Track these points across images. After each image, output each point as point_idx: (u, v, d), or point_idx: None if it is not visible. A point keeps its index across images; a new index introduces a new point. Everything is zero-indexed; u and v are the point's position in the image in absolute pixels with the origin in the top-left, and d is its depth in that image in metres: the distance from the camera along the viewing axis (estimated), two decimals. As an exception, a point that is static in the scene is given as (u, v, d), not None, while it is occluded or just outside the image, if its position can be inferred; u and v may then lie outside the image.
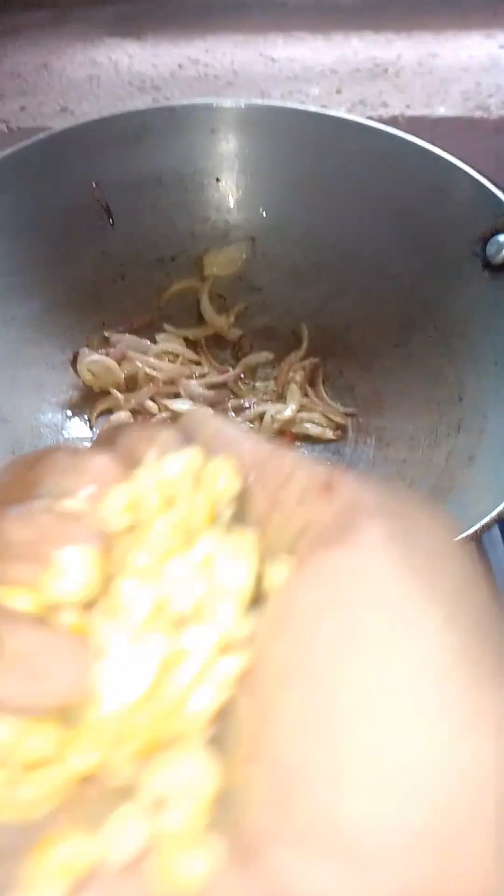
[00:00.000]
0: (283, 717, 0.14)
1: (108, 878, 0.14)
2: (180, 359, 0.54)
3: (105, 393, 0.53)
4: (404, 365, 0.50)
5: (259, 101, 0.55)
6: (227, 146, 0.54)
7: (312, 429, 0.52)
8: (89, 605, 0.15)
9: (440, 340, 0.48)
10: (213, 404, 0.52)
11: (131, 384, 0.53)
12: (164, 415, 0.52)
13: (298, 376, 0.53)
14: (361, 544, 0.15)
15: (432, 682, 0.13)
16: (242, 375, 0.54)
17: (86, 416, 0.53)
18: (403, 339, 0.50)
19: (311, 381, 0.53)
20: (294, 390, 0.52)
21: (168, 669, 0.14)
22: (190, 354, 0.54)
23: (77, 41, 0.64)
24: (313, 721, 0.14)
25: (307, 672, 0.14)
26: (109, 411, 0.53)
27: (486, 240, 0.46)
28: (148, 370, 0.53)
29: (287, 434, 0.51)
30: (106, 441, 0.18)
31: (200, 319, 0.56)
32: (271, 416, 0.51)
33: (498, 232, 0.45)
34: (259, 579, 0.16)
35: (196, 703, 0.14)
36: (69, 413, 0.53)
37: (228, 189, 0.55)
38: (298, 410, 0.52)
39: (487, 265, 0.46)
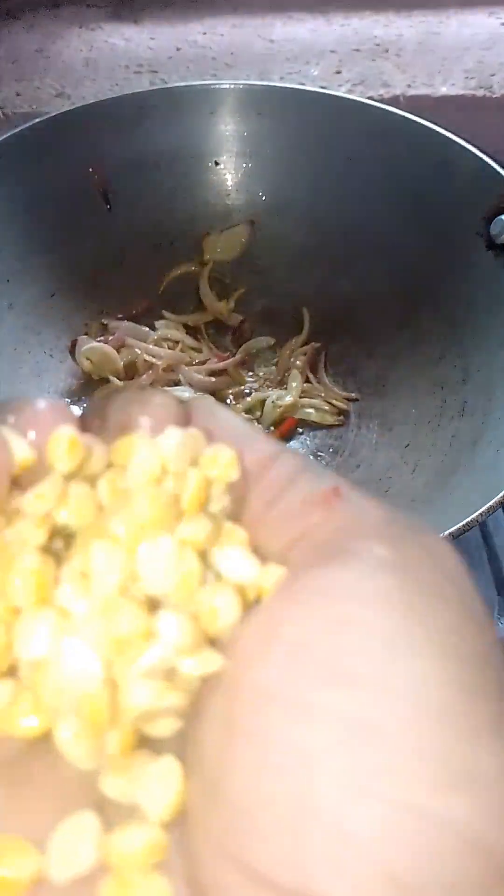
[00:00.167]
0: (255, 744, 0.13)
1: None
2: (179, 345, 0.53)
3: (104, 381, 0.52)
4: (407, 348, 0.49)
5: (258, 83, 0.55)
6: (226, 128, 0.53)
7: (314, 414, 0.51)
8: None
9: (444, 322, 0.48)
10: (213, 391, 0.52)
11: (130, 371, 0.52)
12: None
13: (300, 361, 0.52)
14: (360, 565, 0.14)
15: (428, 723, 0.12)
16: (244, 361, 0.53)
17: (85, 405, 0.53)
18: (406, 322, 0.50)
19: (312, 366, 0.53)
20: (295, 375, 0.52)
21: (125, 649, 0.13)
22: (190, 341, 0.54)
23: (73, 25, 0.64)
24: (287, 755, 0.12)
25: (289, 695, 0.13)
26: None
27: (489, 219, 0.45)
28: (147, 357, 0.52)
29: (288, 419, 0.51)
30: (96, 411, 0.17)
31: (200, 305, 0.55)
32: (273, 402, 0.51)
33: (501, 211, 0.45)
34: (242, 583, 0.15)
35: (141, 696, 0.13)
36: (68, 401, 0.52)
37: (228, 172, 0.54)
38: (300, 396, 0.51)
39: (491, 245, 0.45)
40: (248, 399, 0.52)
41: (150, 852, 0.13)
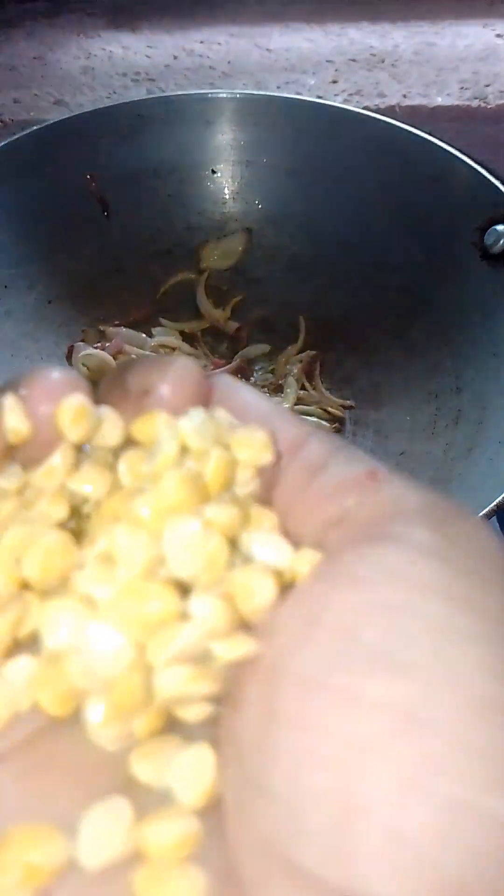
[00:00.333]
0: (299, 734, 0.12)
1: (80, 893, 0.12)
2: (176, 352, 0.54)
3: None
4: (403, 356, 0.50)
5: (255, 92, 0.55)
6: (223, 137, 0.53)
7: (310, 421, 0.51)
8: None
9: (439, 331, 0.48)
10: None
11: (128, 378, 0.53)
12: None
13: (296, 369, 0.53)
14: (402, 549, 0.13)
15: (481, 716, 0.11)
16: (240, 368, 0.54)
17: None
18: (402, 331, 0.50)
19: (308, 374, 0.53)
20: (291, 383, 0.52)
21: (155, 631, 0.13)
22: (186, 348, 0.54)
23: (72, 33, 0.64)
24: (335, 746, 0.12)
25: (335, 684, 0.12)
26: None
27: (483, 230, 0.46)
28: (144, 364, 0.52)
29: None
30: (115, 381, 0.16)
31: (197, 312, 0.55)
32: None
33: (496, 222, 0.45)
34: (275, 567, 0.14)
35: (172, 680, 0.13)
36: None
37: (225, 180, 0.54)
38: (296, 403, 0.51)
39: (485, 255, 0.46)
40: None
41: (185, 842, 0.12)
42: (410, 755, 0.11)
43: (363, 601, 0.13)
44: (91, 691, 0.13)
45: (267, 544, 0.14)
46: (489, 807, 0.11)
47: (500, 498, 0.36)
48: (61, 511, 0.14)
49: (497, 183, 0.46)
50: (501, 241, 0.45)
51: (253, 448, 0.15)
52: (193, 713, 0.14)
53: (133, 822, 0.12)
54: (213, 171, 0.54)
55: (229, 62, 0.61)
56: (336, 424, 0.51)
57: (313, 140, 0.52)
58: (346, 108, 0.53)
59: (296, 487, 0.15)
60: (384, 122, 0.50)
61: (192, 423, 0.14)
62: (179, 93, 0.55)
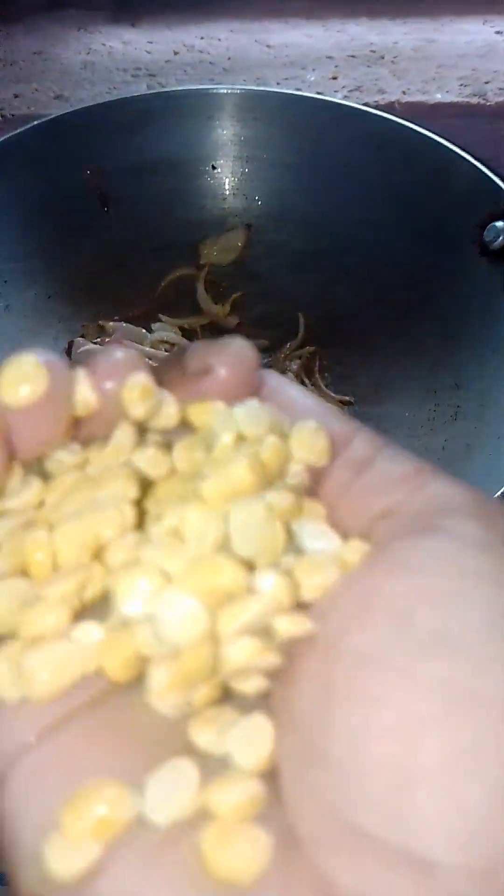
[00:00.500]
0: (357, 707, 0.12)
1: (149, 848, 0.12)
2: (176, 348, 0.54)
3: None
4: (401, 352, 0.50)
5: (255, 88, 0.55)
6: (224, 133, 0.53)
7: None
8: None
9: (438, 328, 0.48)
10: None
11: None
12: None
13: (295, 365, 0.53)
14: (453, 541, 0.13)
15: None
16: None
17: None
18: (400, 327, 0.50)
19: (308, 370, 0.53)
20: (291, 378, 0.52)
21: (225, 603, 0.13)
22: (186, 343, 0.54)
23: (72, 28, 0.64)
24: (392, 718, 0.12)
25: (392, 661, 0.13)
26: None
27: (483, 226, 0.46)
28: (144, 359, 0.52)
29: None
30: (172, 364, 0.16)
31: (197, 308, 0.55)
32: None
33: (495, 218, 0.45)
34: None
35: (238, 652, 0.13)
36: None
37: (225, 176, 0.54)
38: (295, 399, 0.52)
39: (485, 251, 0.46)
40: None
41: (250, 804, 0.13)
42: (465, 729, 0.12)
43: (415, 587, 0.13)
44: (156, 659, 0.13)
45: (317, 533, 0.15)
46: None
47: (498, 493, 0.36)
48: (133, 490, 0.15)
49: (496, 180, 0.46)
50: (500, 238, 0.45)
51: (311, 450, 0.15)
52: (251, 685, 0.14)
53: (199, 783, 0.13)
54: (214, 167, 0.54)
55: (230, 58, 0.61)
56: (335, 420, 0.51)
57: (313, 136, 0.52)
58: (346, 103, 0.53)
59: (343, 482, 0.15)
60: (384, 118, 0.50)
61: (248, 412, 0.15)
62: (180, 88, 0.55)
